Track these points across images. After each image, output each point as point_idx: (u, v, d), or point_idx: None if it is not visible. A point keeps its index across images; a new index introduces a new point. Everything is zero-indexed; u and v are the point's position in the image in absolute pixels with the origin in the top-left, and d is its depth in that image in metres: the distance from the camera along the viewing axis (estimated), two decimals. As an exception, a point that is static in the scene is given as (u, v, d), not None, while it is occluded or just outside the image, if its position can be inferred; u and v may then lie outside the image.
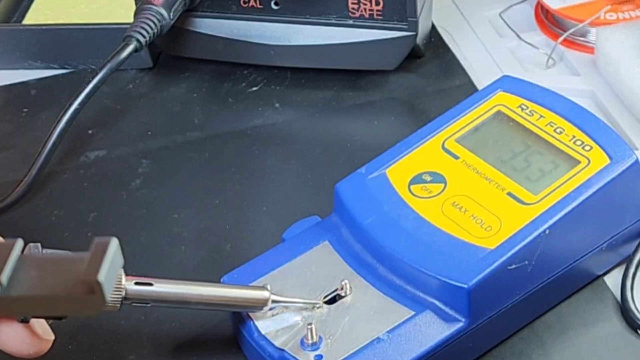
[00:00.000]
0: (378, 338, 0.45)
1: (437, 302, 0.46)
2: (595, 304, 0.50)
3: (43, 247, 0.43)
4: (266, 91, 0.64)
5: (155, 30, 0.61)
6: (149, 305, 0.44)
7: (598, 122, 0.50)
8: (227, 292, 0.46)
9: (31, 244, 0.42)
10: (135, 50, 0.60)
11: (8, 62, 0.68)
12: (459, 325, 0.45)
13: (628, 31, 0.62)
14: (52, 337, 0.42)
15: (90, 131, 0.62)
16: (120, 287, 0.43)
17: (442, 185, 0.49)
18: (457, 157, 0.50)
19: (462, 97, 0.53)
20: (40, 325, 0.41)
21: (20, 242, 0.38)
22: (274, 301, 0.46)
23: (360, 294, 0.47)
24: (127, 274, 0.43)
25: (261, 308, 0.46)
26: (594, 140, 0.49)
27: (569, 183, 0.47)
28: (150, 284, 0.44)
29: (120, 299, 0.43)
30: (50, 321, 0.43)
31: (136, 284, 0.43)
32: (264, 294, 0.46)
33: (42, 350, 0.41)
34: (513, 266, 0.45)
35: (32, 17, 0.70)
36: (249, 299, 0.46)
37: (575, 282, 0.50)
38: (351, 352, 0.44)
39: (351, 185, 0.50)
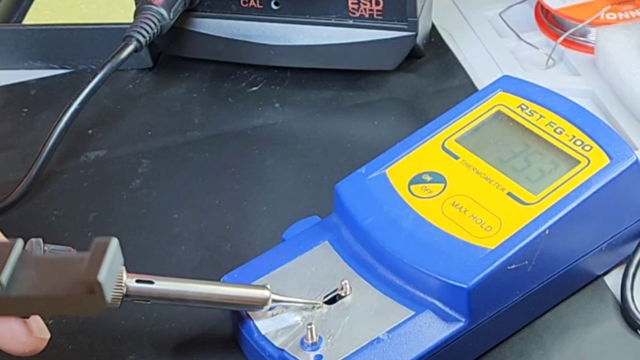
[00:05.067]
0: (378, 338, 0.45)
1: (437, 302, 0.46)
2: (595, 304, 0.50)
3: (44, 243, 0.43)
4: (266, 91, 0.64)
5: (155, 30, 0.61)
6: (149, 302, 0.44)
7: (598, 122, 0.50)
8: (227, 291, 0.46)
9: (33, 239, 0.42)
10: (135, 50, 0.60)
11: (8, 62, 0.67)
12: (459, 325, 0.45)
13: (628, 31, 0.62)
14: (48, 335, 0.42)
15: (90, 131, 0.62)
16: (121, 285, 0.43)
17: (442, 185, 0.49)
18: (457, 157, 0.50)
19: (462, 97, 0.53)
20: (37, 324, 0.41)
21: (20, 242, 0.38)
22: (274, 301, 0.46)
23: (360, 294, 0.47)
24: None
25: (261, 307, 0.46)
26: (594, 140, 0.49)
27: (569, 183, 0.47)
28: (151, 282, 0.44)
29: (120, 297, 0.43)
30: (50, 320, 0.43)
31: (137, 281, 0.43)
32: (264, 293, 0.46)
33: (37, 349, 0.41)
34: (513, 266, 0.45)
35: (32, 17, 0.70)
36: (249, 297, 0.46)
37: (575, 282, 0.50)
38: (351, 352, 0.44)
39: (351, 185, 0.50)
